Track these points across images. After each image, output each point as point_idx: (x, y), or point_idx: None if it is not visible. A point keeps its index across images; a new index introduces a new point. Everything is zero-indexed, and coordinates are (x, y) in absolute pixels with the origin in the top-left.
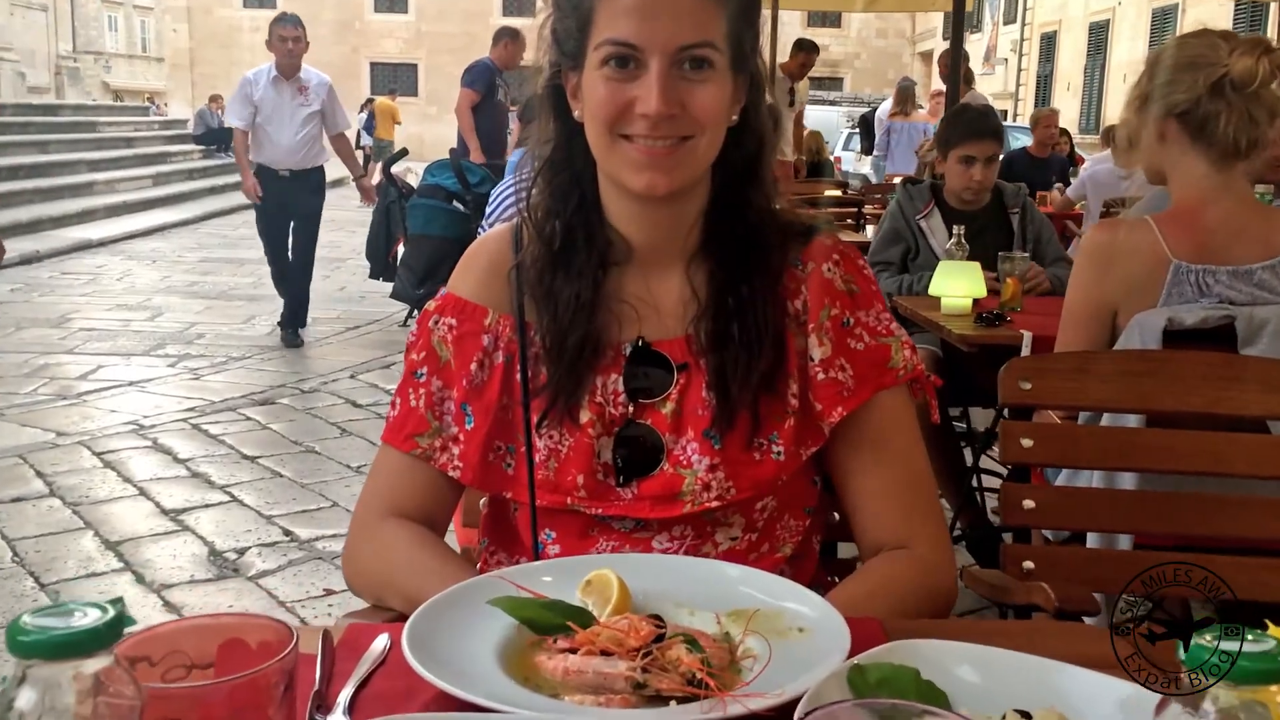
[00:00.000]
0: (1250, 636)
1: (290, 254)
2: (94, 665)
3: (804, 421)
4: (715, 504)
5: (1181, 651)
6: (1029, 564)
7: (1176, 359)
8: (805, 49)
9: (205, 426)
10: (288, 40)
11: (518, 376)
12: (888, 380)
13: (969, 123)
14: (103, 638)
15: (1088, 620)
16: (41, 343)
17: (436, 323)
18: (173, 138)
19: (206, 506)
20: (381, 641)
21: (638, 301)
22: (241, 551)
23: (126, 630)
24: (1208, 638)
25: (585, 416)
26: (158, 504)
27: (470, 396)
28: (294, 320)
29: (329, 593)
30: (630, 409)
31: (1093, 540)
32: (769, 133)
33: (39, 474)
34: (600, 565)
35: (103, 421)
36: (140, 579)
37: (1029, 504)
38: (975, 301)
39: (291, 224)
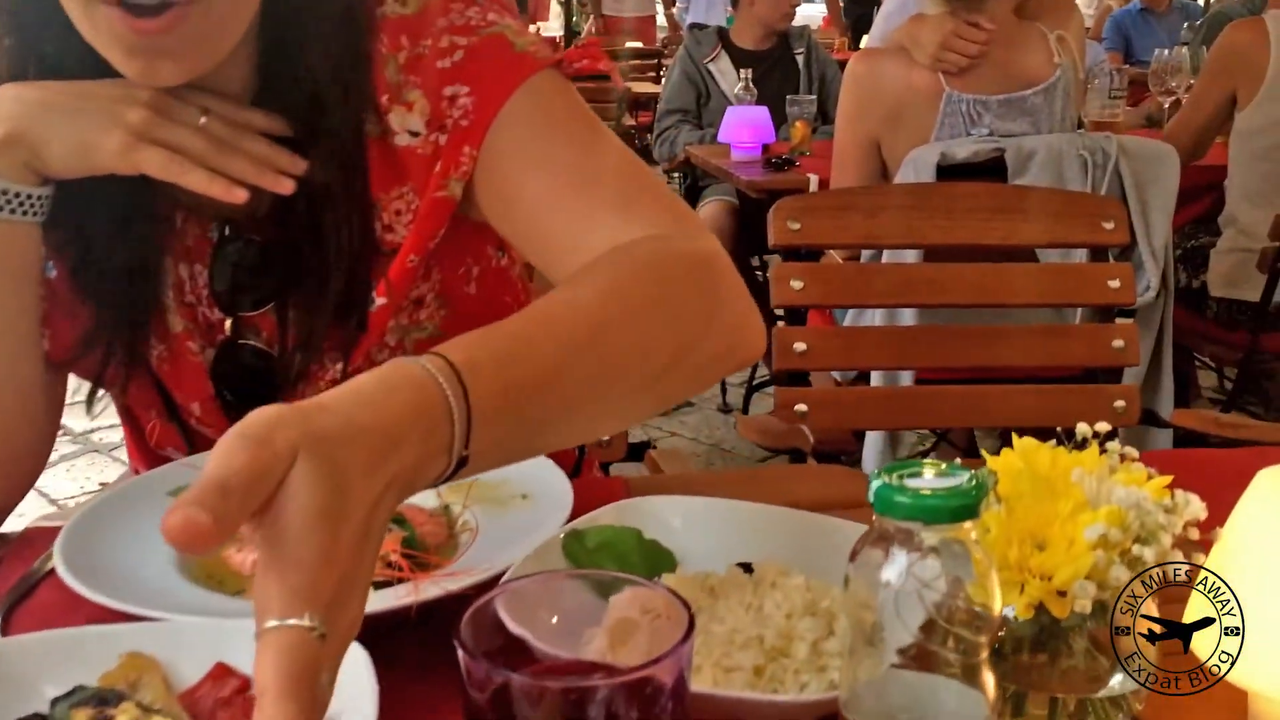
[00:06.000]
0: (941, 471)
1: None
2: None
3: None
4: None
5: (870, 494)
6: (802, 407)
7: (945, 191)
8: None
9: None
10: None
11: None
12: (528, 68)
13: None
14: None
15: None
16: None
17: None
18: None
19: None
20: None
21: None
22: None
23: None
24: (896, 477)
25: (178, 324)
26: None
27: None
28: None
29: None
30: (229, 324)
31: (878, 380)
32: None
33: None
34: None
35: None
36: None
37: (800, 347)
38: (765, 147)
39: None
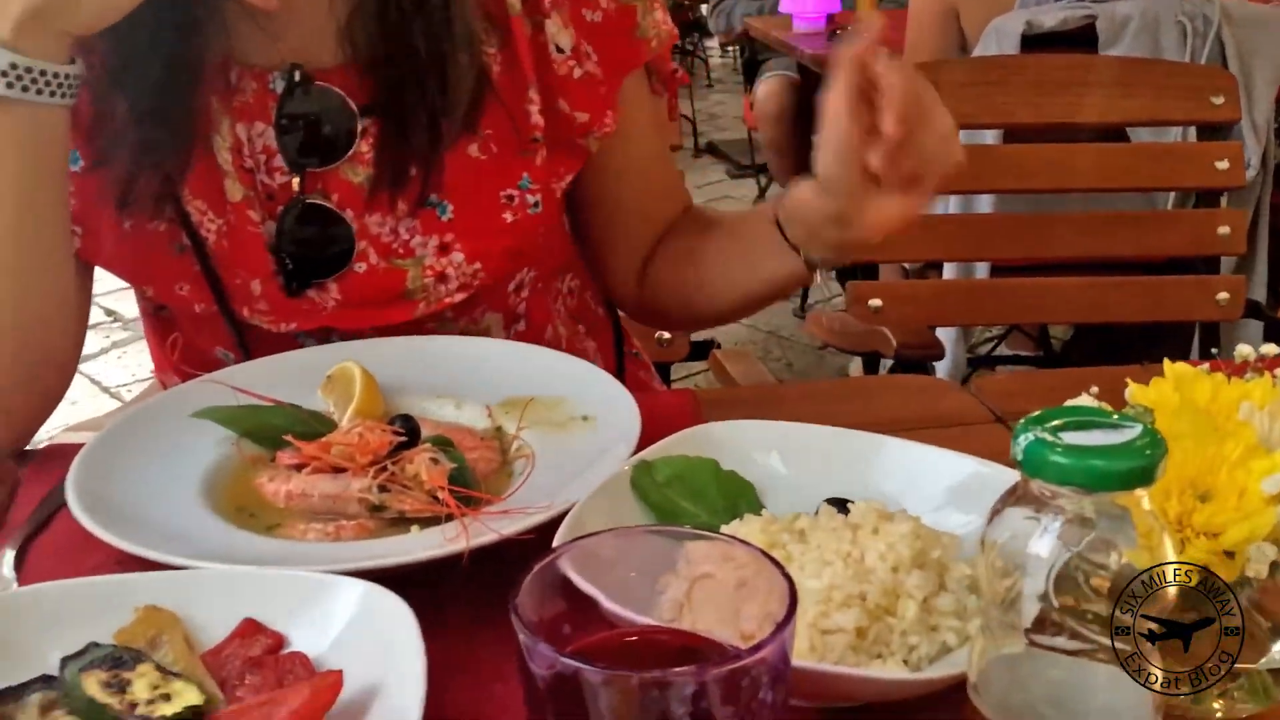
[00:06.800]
0: (1103, 421)
1: None
2: None
3: (556, 143)
4: (460, 298)
5: (1015, 450)
6: (876, 302)
7: (1031, 63)
8: None
9: None
10: None
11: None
12: (639, 56)
13: None
14: None
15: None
16: None
17: None
18: None
19: None
20: None
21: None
22: None
23: None
24: (1049, 430)
25: (237, 191)
26: None
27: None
28: None
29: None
30: (296, 182)
31: (950, 271)
32: None
33: None
34: (345, 356)
35: None
36: None
37: None
38: (829, 17)
39: None
